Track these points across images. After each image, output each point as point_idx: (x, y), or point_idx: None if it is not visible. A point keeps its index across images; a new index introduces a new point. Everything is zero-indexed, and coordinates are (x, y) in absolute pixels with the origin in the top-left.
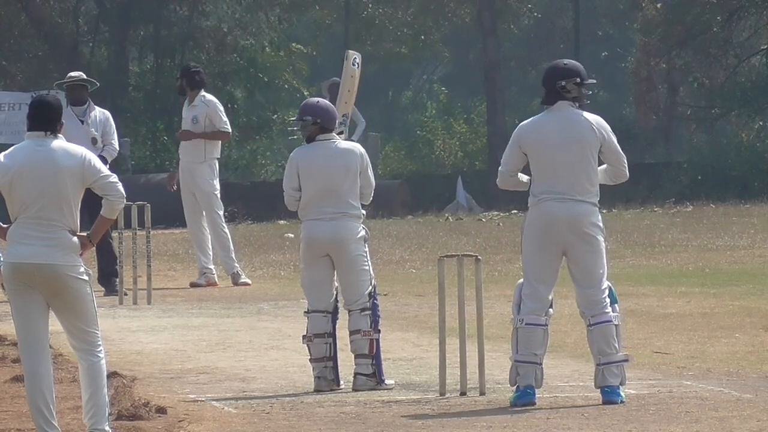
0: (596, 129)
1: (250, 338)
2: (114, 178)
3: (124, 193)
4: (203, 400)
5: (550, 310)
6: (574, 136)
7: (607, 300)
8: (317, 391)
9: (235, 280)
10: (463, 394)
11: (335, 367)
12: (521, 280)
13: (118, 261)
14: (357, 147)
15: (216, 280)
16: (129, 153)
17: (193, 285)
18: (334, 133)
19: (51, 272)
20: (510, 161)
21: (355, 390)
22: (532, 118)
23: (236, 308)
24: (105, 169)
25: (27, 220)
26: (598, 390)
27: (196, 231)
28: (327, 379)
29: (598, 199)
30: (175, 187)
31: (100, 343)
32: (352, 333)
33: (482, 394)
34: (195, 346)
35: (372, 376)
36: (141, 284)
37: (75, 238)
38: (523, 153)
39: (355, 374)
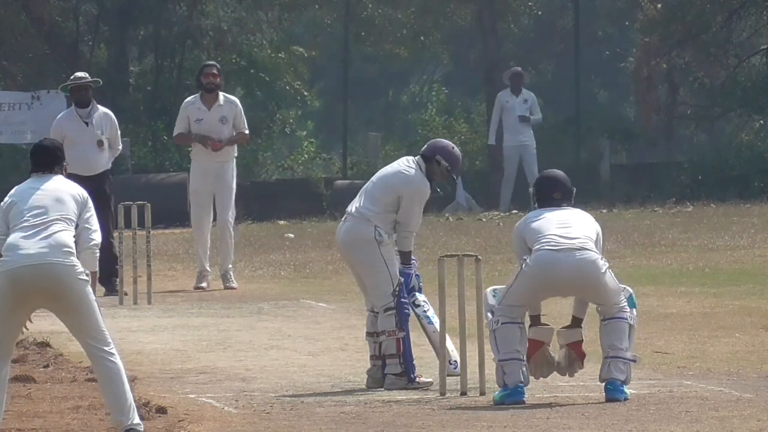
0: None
1: (250, 338)
2: (95, 223)
3: (98, 240)
4: (203, 400)
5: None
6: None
7: (625, 303)
8: (367, 386)
9: (226, 281)
10: (463, 394)
11: (384, 367)
12: (491, 289)
13: (118, 261)
14: (413, 182)
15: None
16: (129, 153)
17: (198, 288)
18: (412, 163)
19: (49, 272)
20: (521, 252)
21: (386, 389)
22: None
23: (236, 308)
24: (93, 212)
25: (24, 227)
26: (602, 384)
27: (207, 233)
28: (374, 377)
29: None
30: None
31: (110, 341)
32: (379, 334)
33: (482, 394)
34: (195, 346)
35: (401, 375)
36: (141, 284)
37: (73, 239)
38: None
39: (385, 374)
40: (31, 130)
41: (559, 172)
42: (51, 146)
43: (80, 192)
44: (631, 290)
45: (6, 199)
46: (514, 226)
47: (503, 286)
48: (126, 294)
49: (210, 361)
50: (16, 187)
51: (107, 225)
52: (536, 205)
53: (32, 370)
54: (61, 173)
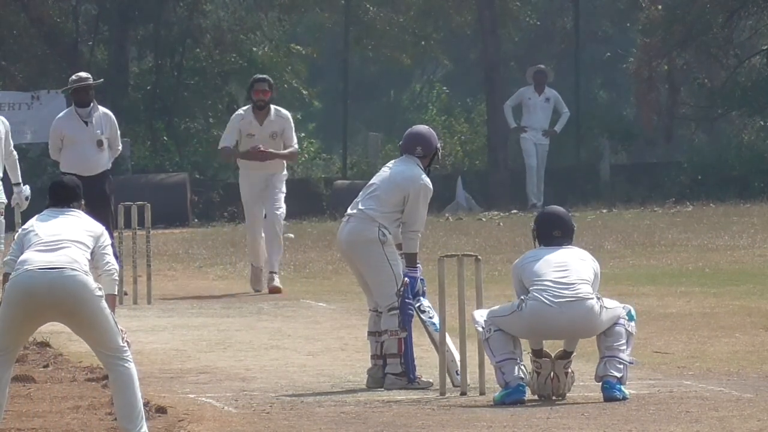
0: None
1: (250, 338)
2: (111, 252)
3: (115, 266)
4: (203, 400)
5: None
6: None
7: (624, 315)
8: (367, 386)
9: (272, 279)
10: (463, 394)
11: (384, 366)
12: (476, 311)
13: (118, 261)
14: (419, 179)
15: None
16: (129, 153)
17: (257, 291)
18: (412, 162)
19: (62, 285)
20: (519, 290)
21: (386, 389)
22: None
23: (236, 308)
24: (110, 242)
25: (37, 245)
26: (599, 384)
27: (260, 238)
28: (374, 377)
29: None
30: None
31: (125, 348)
32: (381, 333)
33: (482, 394)
34: (195, 346)
35: (401, 375)
36: (141, 284)
37: (87, 260)
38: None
39: (385, 374)
40: (31, 130)
41: (560, 210)
42: (70, 183)
43: (96, 224)
44: (630, 307)
45: (23, 227)
46: (513, 264)
47: (488, 309)
48: (126, 294)
49: (210, 361)
50: (32, 219)
51: (107, 225)
52: (536, 242)
53: (32, 370)
54: (79, 209)
